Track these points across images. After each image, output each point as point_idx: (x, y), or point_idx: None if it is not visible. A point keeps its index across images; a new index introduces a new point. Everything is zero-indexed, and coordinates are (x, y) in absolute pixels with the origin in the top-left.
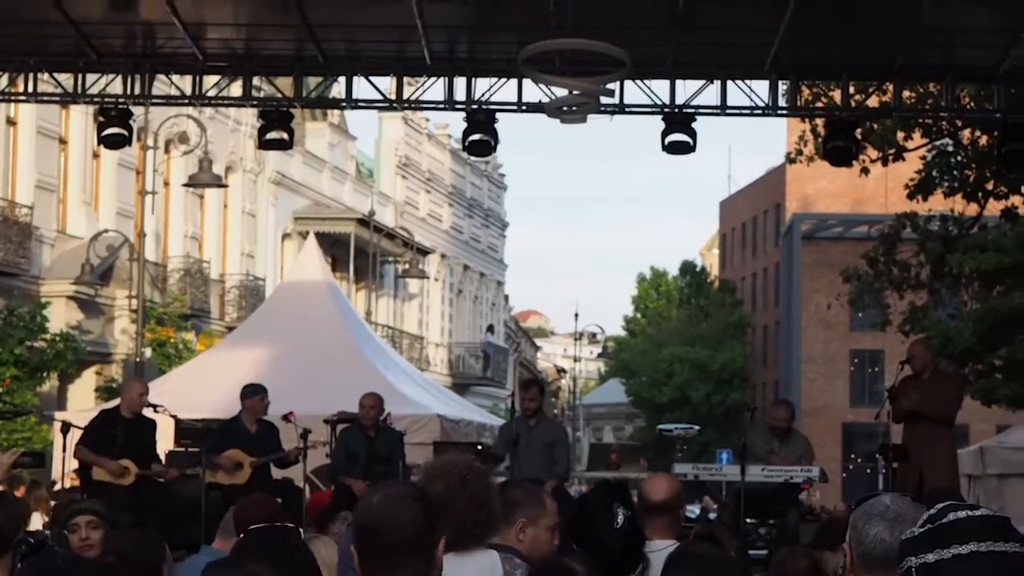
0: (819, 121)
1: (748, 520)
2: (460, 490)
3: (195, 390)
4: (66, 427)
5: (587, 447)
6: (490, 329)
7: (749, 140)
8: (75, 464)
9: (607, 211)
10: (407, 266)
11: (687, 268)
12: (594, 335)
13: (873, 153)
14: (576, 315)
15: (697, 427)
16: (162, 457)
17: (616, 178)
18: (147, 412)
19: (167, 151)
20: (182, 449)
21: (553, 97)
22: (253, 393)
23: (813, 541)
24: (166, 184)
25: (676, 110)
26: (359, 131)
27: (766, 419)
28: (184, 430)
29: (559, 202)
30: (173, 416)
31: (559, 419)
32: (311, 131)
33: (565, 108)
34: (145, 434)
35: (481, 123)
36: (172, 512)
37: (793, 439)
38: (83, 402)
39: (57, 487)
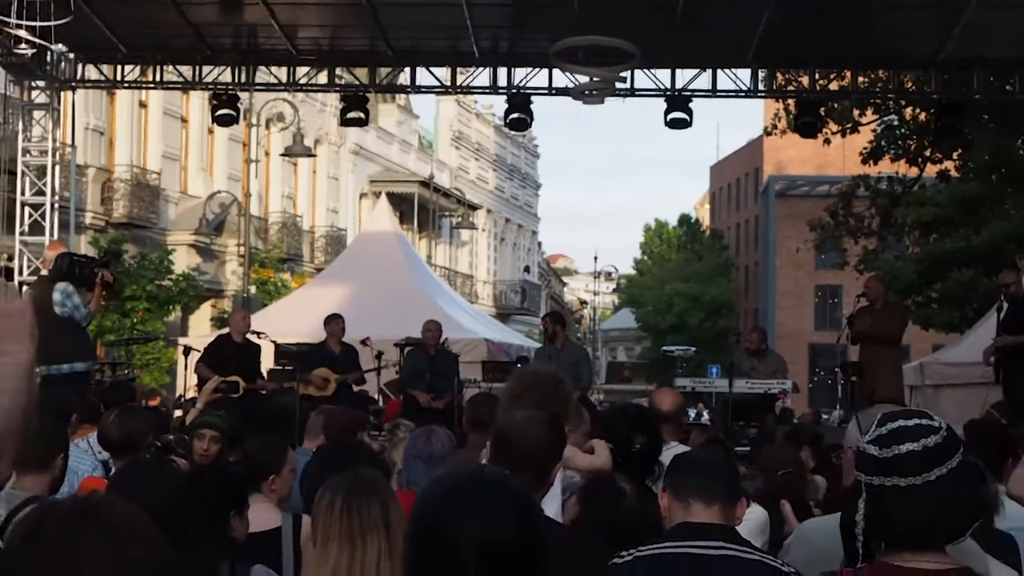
0: (791, 101)
1: (736, 423)
2: (553, 396)
3: (290, 320)
4: (187, 350)
5: (605, 365)
6: (526, 270)
7: (734, 117)
8: (196, 379)
9: (621, 175)
10: (460, 219)
11: (684, 220)
12: (610, 274)
13: (834, 127)
14: (595, 258)
15: (693, 348)
16: (264, 374)
17: (628, 148)
18: (252, 338)
19: (267, 128)
20: (280, 367)
21: (577, 83)
22: (332, 320)
23: (786, 439)
24: (267, 154)
25: (676, 93)
26: (421, 111)
27: (743, 342)
28: (282, 352)
29: (582, 167)
30: (273, 341)
31: (582, 342)
32: (383, 111)
33: (587, 91)
34: (252, 355)
35: (519, 104)
36: (273, 419)
37: (770, 357)
38: (201, 330)
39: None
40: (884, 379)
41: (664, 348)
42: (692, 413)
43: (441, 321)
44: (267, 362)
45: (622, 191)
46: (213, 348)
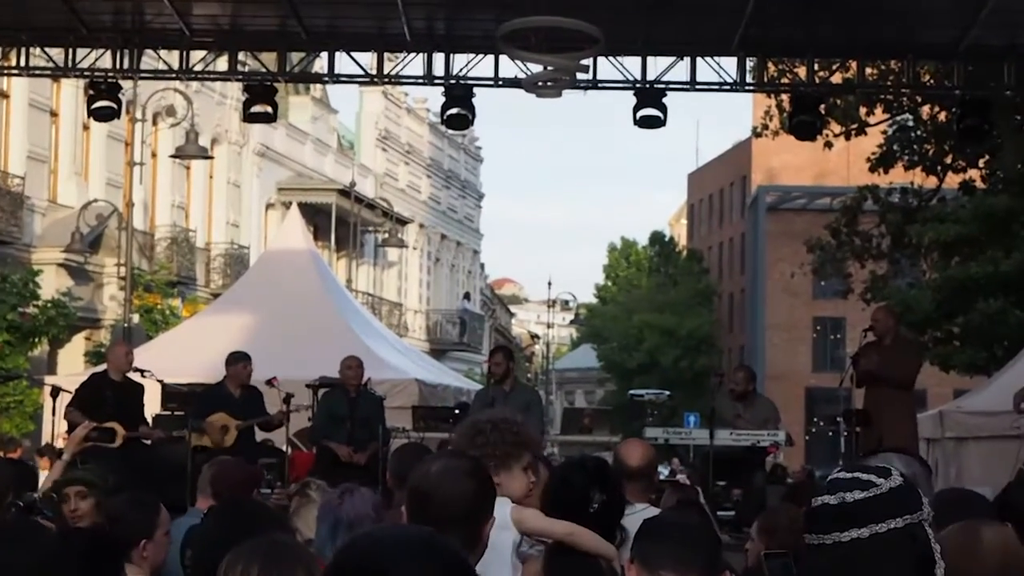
0: (784, 96)
1: (717, 483)
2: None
3: (181, 355)
4: (55, 391)
5: (560, 411)
6: (466, 296)
7: (716, 115)
8: (65, 426)
9: (580, 182)
10: (387, 235)
11: (656, 238)
12: (567, 302)
13: (836, 128)
14: (549, 283)
15: (667, 392)
16: (149, 420)
17: (588, 151)
18: (134, 376)
19: (155, 123)
20: (168, 412)
21: (529, 73)
22: (236, 360)
23: (784, 501)
24: (154, 155)
25: (647, 86)
26: (340, 105)
27: (727, 384)
28: (170, 393)
29: (534, 173)
30: (159, 381)
31: (532, 383)
32: (294, 105)
33: (541, 83)
34: (133, 397)
35: (459, 98)
36: (158, 473)
37: (759, 403)
38: (73, 366)
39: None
40: (893, 428)
41: (632, 392)
42: (665, 471)
43: (363, 358)
44: (152, 406)
45: (582, 203)
46: (87, 389)
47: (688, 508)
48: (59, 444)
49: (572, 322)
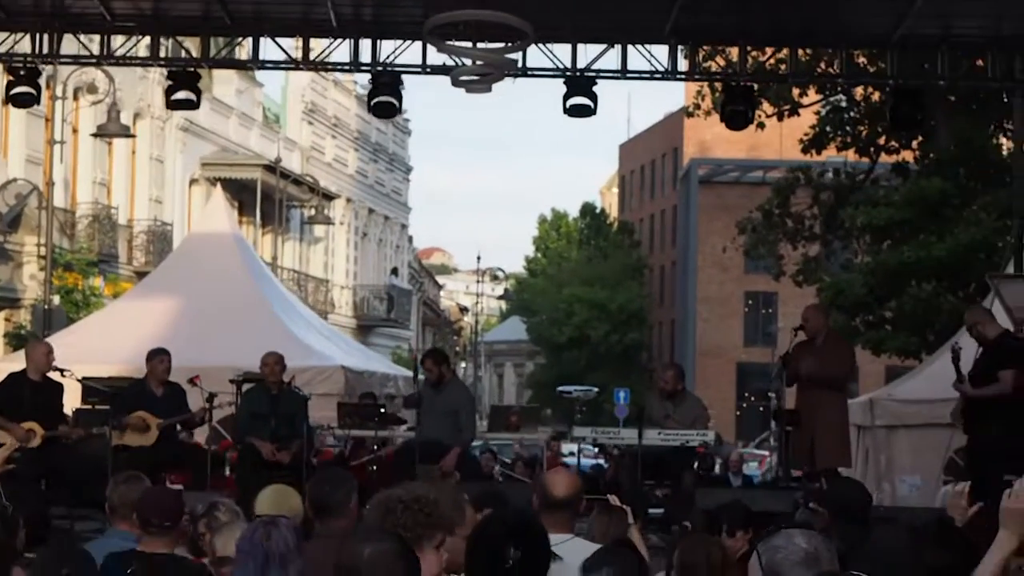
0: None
1: (646, 482)
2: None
3: (103, 340)
4: None
5: (487, 388)
6: (394, 272)
7: (648, 89)
8: None
9: (511, 153)
10: (313, 211)
11: (587, 210)
12: (496, 275)
13: (769, 109)
14: (479, 257)
15: (595, 389)
16: (69, 413)
17: (520, 122)
18: (54, 375)
19: (76, 99)
20: (89, 407)
21: (458, 63)
22: (155, 355)
23: (709, 524)
24: (75, 131)
25: (577, 74)
26: (266, 77)
27: (656, 382)
28: (90, 390)
29: (463, 142)
30: (80, 380)
31: (461, 356)
32: (218, 78)
33: (468, 78)
34: (52, 396)
35: (386, 85)
36: (79, 472)
37: (688, 402)
38: None
39: None
40: (825, 431)
41: (560, 388)
42: (589, 461)
43: (288, 344)
44: (73, 400)
45: (512, 172)
46: (5, 389)
47: (621, 549)
48: None
49: (501, 297)
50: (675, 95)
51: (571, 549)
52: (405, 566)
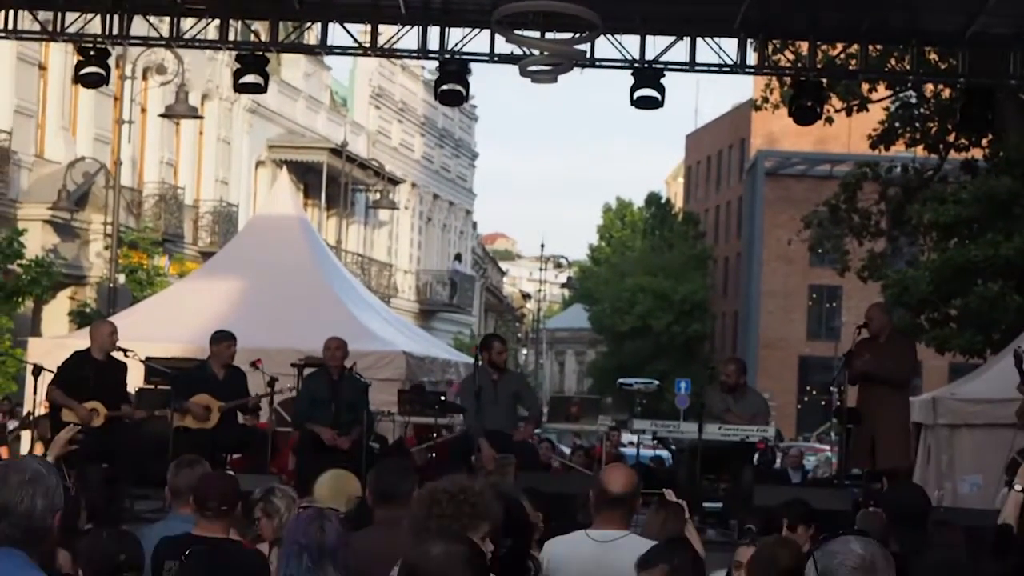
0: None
1: (705, 476)
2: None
3: (166, 320)
4: (37, 370)
5: (548, 374)
6: (457, 258)
7: (716, 76)
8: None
9: (577, 140)
10: (378, 196)
11: (652, 199)
12: (559, 263)
13: (837, 103)
14: (542, 244)
15: (656, 382)
16: (132, 393)
17: (587, 108)
18: (117, 355)
19: (144, 79)
20: (152, 386)
21: (526, 53)
22: (221, 339)
23: (769, 522)
24: (143, 111)
25: (645, 66)
26: (334, 61)
27: (717, 375)
28: (153, 369)
29: (530, 129)
30: (143, 360)
31: (523, 342)
32: (287, 60)
33: (536, 68)
34: (116, 376)
35: (454, 73)
36: (140, 453)
37: (749, 397)
38: (57, 325)
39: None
40: (886, 430)
41: (620, 381)
42: (648, 452)
43: (350, 329)
44: (134, 379)
45: (576, 158)
46: (69, 368)
47: (676, 546)
48: (41, 411)
49: (564, 285)
50: (744, 86)
51: (626, 546)
52: (473, 573)
